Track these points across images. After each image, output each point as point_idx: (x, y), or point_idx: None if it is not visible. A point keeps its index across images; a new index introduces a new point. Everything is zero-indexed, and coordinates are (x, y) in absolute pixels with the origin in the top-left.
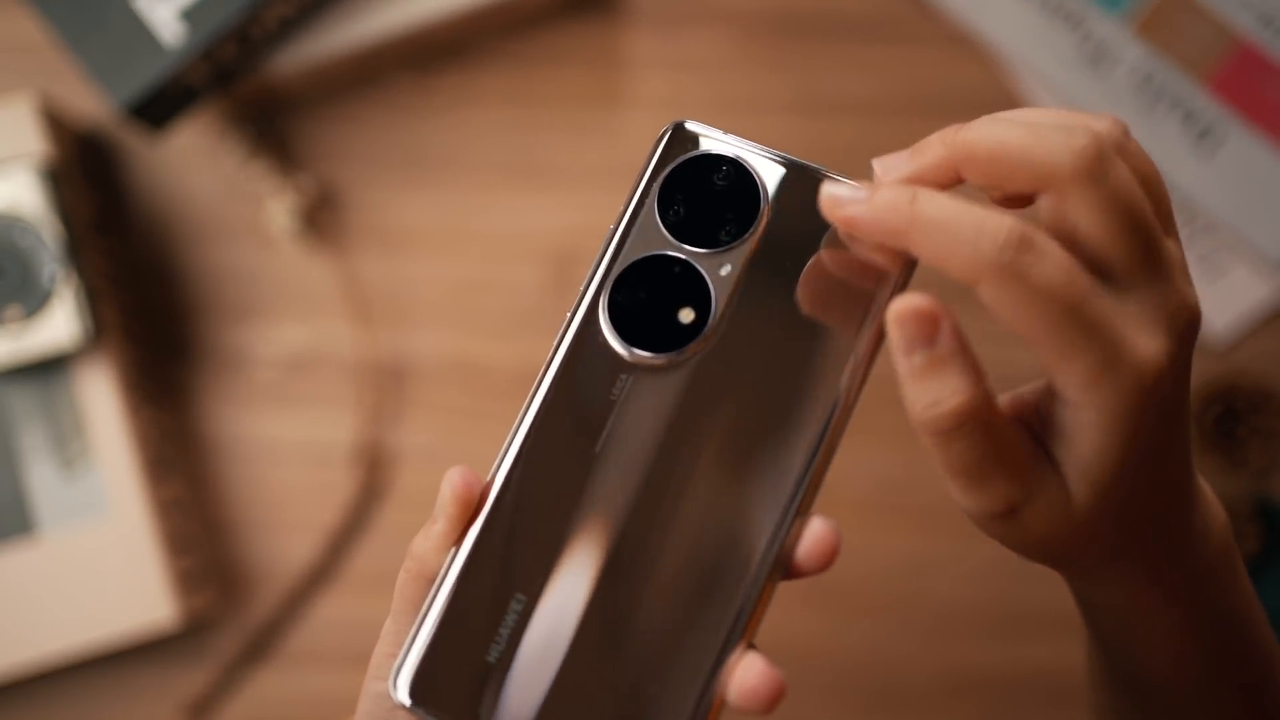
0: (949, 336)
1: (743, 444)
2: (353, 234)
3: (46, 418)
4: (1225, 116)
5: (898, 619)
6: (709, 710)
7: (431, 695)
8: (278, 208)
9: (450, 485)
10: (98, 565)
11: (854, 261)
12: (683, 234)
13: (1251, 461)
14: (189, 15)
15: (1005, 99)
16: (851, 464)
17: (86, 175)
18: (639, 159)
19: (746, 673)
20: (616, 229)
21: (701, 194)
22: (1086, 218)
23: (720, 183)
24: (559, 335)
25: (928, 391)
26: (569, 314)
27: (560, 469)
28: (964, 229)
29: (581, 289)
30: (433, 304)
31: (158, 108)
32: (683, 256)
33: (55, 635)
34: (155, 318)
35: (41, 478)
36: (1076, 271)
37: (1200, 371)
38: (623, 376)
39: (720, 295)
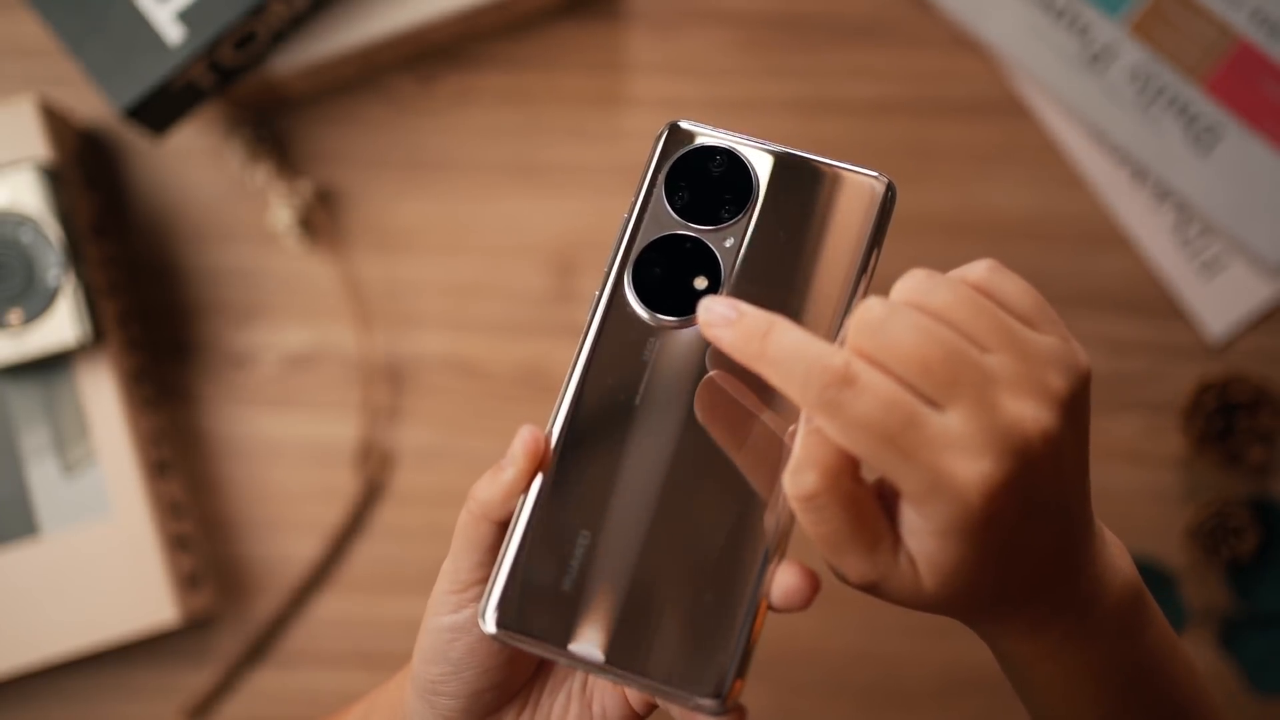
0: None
1: (761, 388)
2: (353, 234)
3: (49, 419)
4: (1222, 115)
5: (898, 619)
6: (756, 611)
7: (517, 623)
8: (278, 208)
9: (521, 440)
10: (100, 565)
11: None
12: (690, 215)
13: (1250, 461)
14: (189, 16)
15: (1005, 99)
16: None
17: (88, 176)
18: (639, 159)
19: (785, 577)
20: (630, 216)
21: (702, 180)
22: (893, 358)
23: (717, 170)
24: (590, 311)
25: (793, 465)
26: (597, 292)
27: (607, 421)
28: (796, 368)
29: (605, 269)
30: (432, 304)
31: (158, 109)
32: (692, 234)
33: (57, 635)
34: (157, 318)
35: (44, 478)
36: (897, 404)
37: (1199, 371)
38: (651, 340)
39: (727, 264)
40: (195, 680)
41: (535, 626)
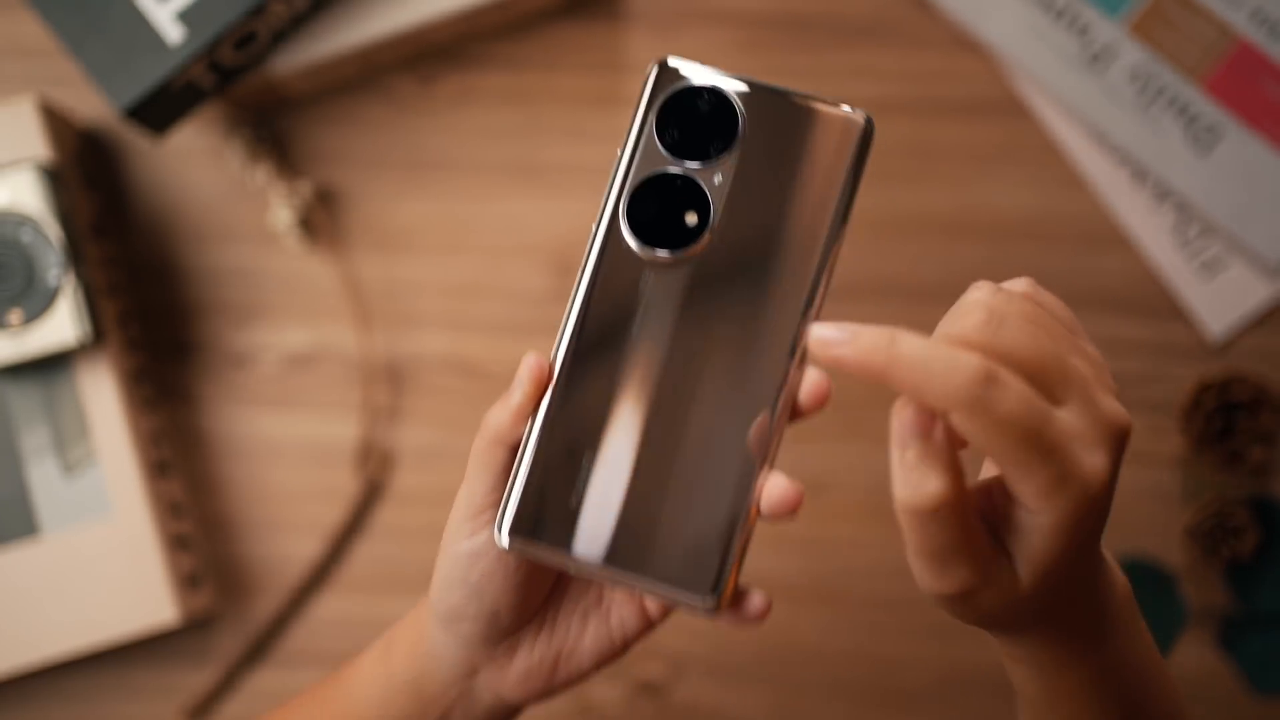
0: (940, 434)
1: (747, 317)
2: (353, 234)
3: (49, 419)
4: (1222, 115)
5: (898, 619)
6: (747, 518)
7: (530, 534)
8: (278, 208)
9: (527, 366)
10: (100, 565)
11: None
12: (680, 152)
13: (1250, 461)
14: (189, 16)
15: (1005, 99)
16: (852, 464)
17: (89, 176)
18: None
19: (773, 488)
20: (622, 154)
21: (691, 118)
22: (1013, 358)
23: (705, 108)
24: (588, 246)
25: (914, 479)
26: (593, 227)
27: (606, 348)
28: (936, 368)
29: (601, 206)
30: (432, 304)
31: (159, 109)
32: (682, 171)
33: (58, 635)
34: (157, 318)
35: (44, 478)
36: (1035, 401)
37: (1198, 371)
38: (645, 272)
39: (716, 199)
40: (195, 680)
41: (546, 537)
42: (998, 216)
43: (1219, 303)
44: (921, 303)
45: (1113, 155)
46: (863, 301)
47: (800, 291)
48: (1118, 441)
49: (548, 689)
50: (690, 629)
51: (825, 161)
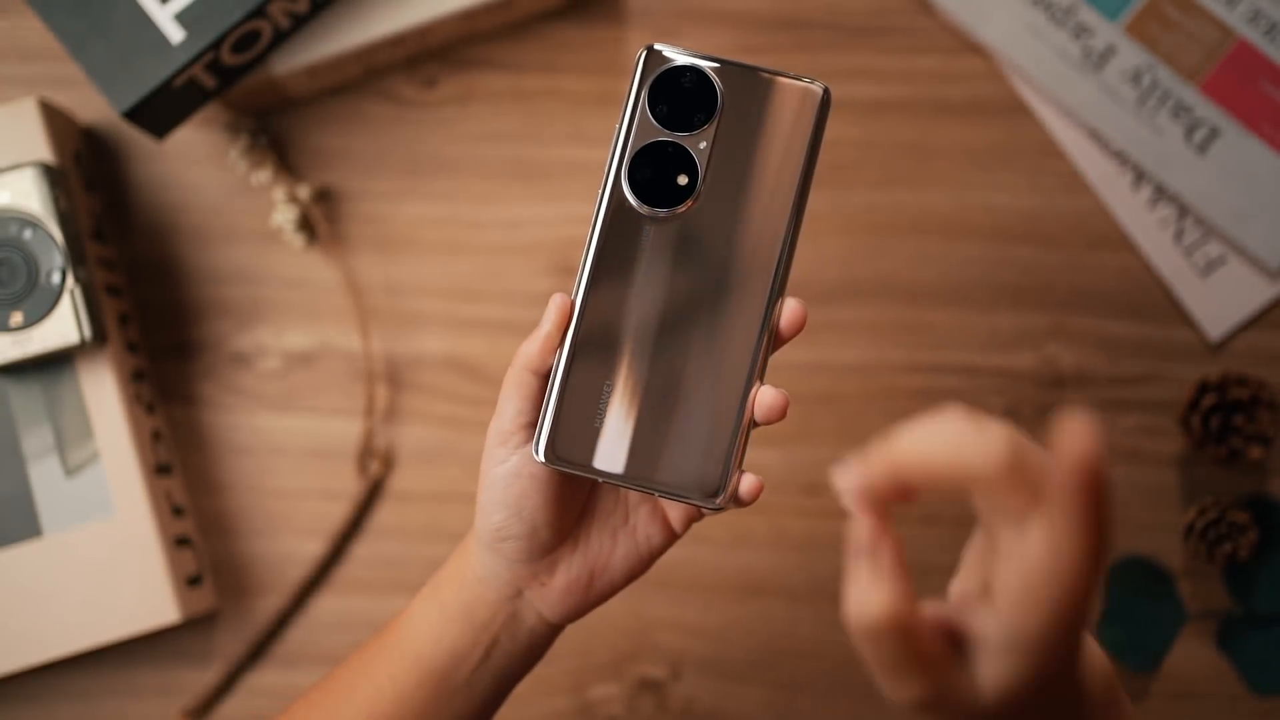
0: (887, 553)
1: (734, 259)
2: (353, 235)
3: (51, 419)
4: (1219, 115)
5: None
6: (744, 427)
7: (561, 450)
8: (279, 209)
9: (554, 303)
10: (102, 566)
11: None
12: (669, 124)
13: (1249, 461)
14: (190, 17)
15: (1005, 99)
16: None
17: (90, 177)
18: None
19: (764, 397)
20: (620, 127)
21: (676, 94)
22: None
23: (688, 85)
24: (596, 206)
25: (861, 594)
26: (600, 190)
27: (617, 292)
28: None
29: (604, 173)
30: (432, 304)
31: (159, 110)
32: (672, 140)
33: (61, 635)
34: (158, 318)
35: (46, 479)
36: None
37: (1197, 371)
38: (646, 227)
39: (702, 162)
40: (197, 679)
41: (573, 453)
42: (997, 217)
43: (1218, 303)
44: (921, 303)
45: (1112, 156)
46: (863, 301)
47: (776, 235)
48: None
49: (584, 603)
50: (690, 629)
51: (791, 125)
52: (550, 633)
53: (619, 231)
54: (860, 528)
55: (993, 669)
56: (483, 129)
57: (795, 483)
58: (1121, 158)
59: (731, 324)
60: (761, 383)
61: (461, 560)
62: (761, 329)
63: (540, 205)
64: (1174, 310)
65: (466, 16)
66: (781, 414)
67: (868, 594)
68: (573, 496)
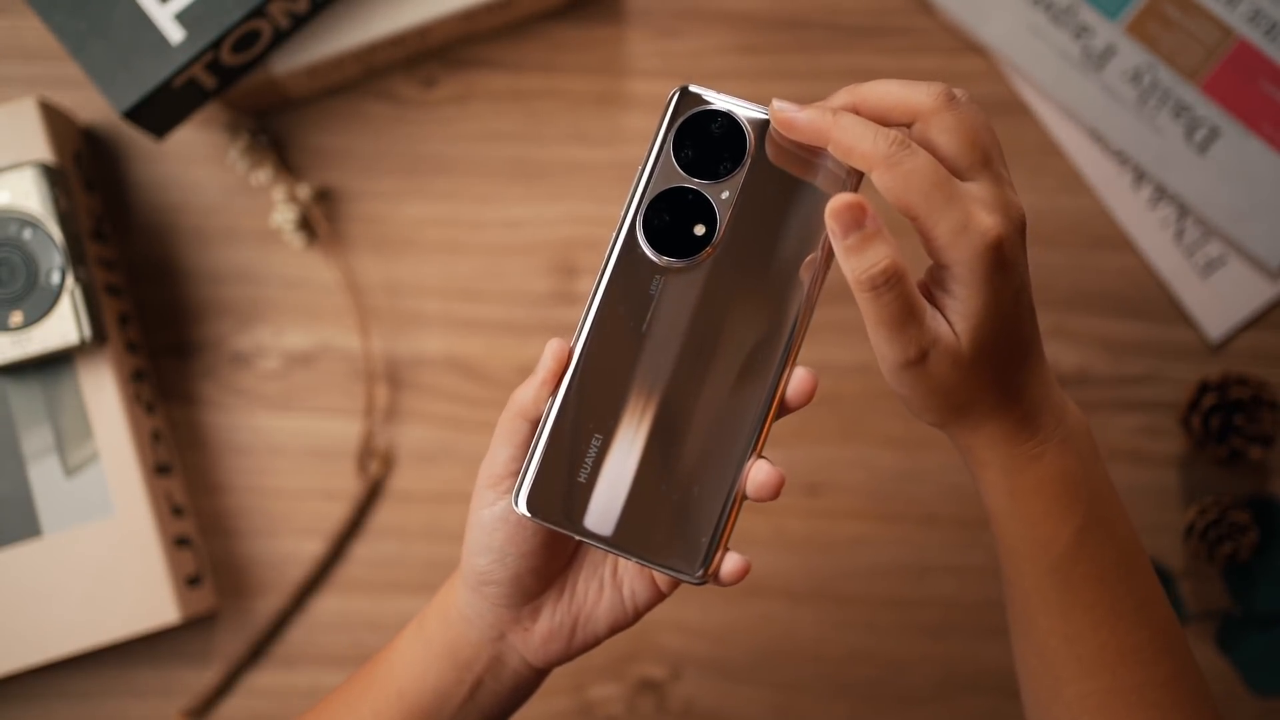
0: (873, 220)
1: (746, 320)
2: (353, 235)
3: (50, 419)
4: (1220, 115)
5: (897, 619)
6: (735, 501)
7: (543, 504)
8: (279, 209)
9: (551, 351)
10: (102, 566)
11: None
12: (692, 170)
13: (1249, 461)
14: (190, 17)
15: (1005, 99)
16: (850, 465)
17: (90, 177)
18: (639, 160)
19: (757, 473)
20: (643, 170)
21: (704, 140)
22: (943, 137)
23: (717, 131)
24: (608, 250)
25: (863, 260)
26: (614, 234)
27: (619, 342)
28: (864, 133)
29: (621, 214)
30: (432, 304)
31: (159, 110)
32: (693, 187)
33: (60, 635)
34: (158, 318)
35: (46, 479)
36: (937, 163)
37: (1198, 371)
38: (657, 277)
39: (722, 214)
40: (197, 679)
41: (556, 509)
42: None
43: (1218, 303)
44: None
45: (1112, 156)
46: None
47: (793, 301)
48: (1015, 219)
49: (566, 651)
50: (690, 629)
51: (822, 188)
52: (535, 676)
53: (628, 279)
54: (838, 200)
55: (958, 307)
56: (482, 129)
57: (795, 483)
58: (1121, 157)
59: (735, 390)
60: (760, 455)
61: (448, 595)
62: (767, 400)
63: (540, 205)
64: (1174, 310)
65: (466, 16)
66: (774, 493)
67: (871, 252)
68: (560, 544)
